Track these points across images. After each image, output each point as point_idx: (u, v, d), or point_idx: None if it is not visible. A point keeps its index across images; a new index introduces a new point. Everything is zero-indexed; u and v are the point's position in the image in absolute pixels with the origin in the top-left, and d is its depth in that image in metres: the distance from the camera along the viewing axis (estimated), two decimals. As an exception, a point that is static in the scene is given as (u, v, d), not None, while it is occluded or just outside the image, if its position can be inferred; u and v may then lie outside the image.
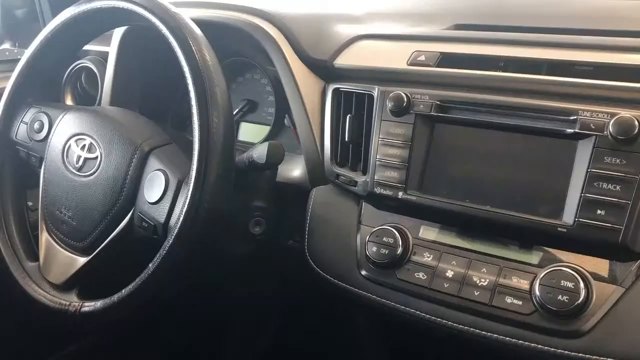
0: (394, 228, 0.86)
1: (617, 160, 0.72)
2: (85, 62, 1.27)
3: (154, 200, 0.83)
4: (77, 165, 0.92)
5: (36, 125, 1.00)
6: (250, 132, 1.21)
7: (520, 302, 0.76)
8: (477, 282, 0.79)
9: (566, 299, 0.72)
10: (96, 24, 0.97)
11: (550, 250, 0.78)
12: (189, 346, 1.56)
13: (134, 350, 1.53)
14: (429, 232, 0.86)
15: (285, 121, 1.15)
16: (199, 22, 0.86)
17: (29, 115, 1.01)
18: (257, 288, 1.45)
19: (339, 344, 1.32)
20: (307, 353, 1.47)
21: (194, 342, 1.56)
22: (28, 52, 1.00)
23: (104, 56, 1.22)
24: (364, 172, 0.92)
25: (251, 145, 0.93)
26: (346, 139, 0.94)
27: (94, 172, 0.90)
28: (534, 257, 0.78)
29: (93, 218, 0.89)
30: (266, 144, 0.85)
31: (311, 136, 0.97)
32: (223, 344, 1.57)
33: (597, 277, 0.74)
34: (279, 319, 1.54)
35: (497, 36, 0.89)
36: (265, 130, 1.19)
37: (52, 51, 1.00)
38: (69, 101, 1.30)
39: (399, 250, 0.84)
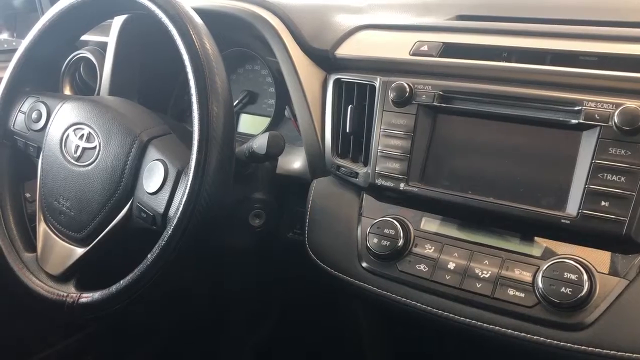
0: (395, 220, 0.85)
1: (622, 151, 0.71)
2: (84, 53, 1.26)
3: (153, 190, 0.82)
4: (75, 155, 0.91)
5: (34, 115, 0.99)
6: (250, 123, 1.20)
7: (523, 295, 0.75)
8: (479, 274, 0.78)
9: (569, 291, 0.72)
10: (94, 12, 0.96)
11: (553, 242, 0.77)
12: (187, 339, 1.55)
13: (130, 344, 1.52)
14: (430, 224, 0.85)
15: (286, 112, 1.15)
16: (200, 11, 0.85)
17: (26, 105, 1.00)
18: (257, 281, 1.44)
19: (339, 338, 1.31)
20: (306, 347, 1.46)
21: (191, 335, 1.55)
22: (26, 41, 0.99)
23: (103, 47, 1.21)
24: (365, 164, 0.91)
25: (251, 137, 0.92)
26: (347, 130, 0.93)
27: (93, 162, 0.89)
28: (537, 249, 0.77)
29: (91, 208, 0.88)
30: (266, 134, 0.84)
31: (312, 127, 0.96)
32: (221, 337, 1.56)
33: (601, 270, 0.73)
34: (278, 312, 1.53)
35: (501, 26, 0.88)
36: (265, 121, 1.18)
37: (49, 40, 0.99)
38: (67, 92, 1.29)
39: (400, 242, 0.84)
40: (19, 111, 1.01)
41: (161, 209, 0.81)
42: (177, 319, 1.53)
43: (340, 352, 1.33)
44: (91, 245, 0.89)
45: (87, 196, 0.89)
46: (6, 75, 1.00)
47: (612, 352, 0.71)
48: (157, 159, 0.84)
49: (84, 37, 1.17)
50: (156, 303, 1.33)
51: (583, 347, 0.72)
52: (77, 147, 0.91)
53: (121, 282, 0.81)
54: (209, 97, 0.76)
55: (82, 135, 0.91)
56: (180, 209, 0.75)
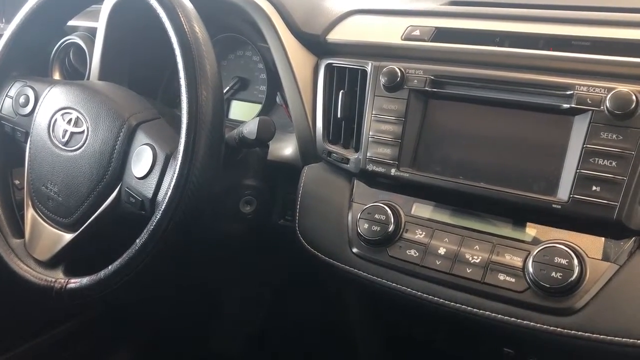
0: (386, 205, 0.85)
1: (614, 136, 0.71)
2: (74, 39, 1.25)
3: (141, 175, 0.82)
4: (63, 140, 0.90)
5: (21, 100, 0.97)
6: (242, 110, 1.19)
7: (513, 280, 0.75)
8: (470, 259, 0.78)
9: (560, 275, 0.71)
10: (82, -5, 0.95)
11: (544, 227, 0.77)
12: (179, 327, 1.55)
13: (123, 331, 1.52)
14: (421, 210, 0.85)
15: (277, 99, 1.14)
16: (189, -5, 0.83)
17: (14, 90, 0.99)
18: (248, 268, 1.43)
19: (331, 324, 1.31)
20: (299, 334, 1.46)
21: (183, 322, 1.55)
22: (12, 25, 0.97)
23: (93, 32, 1.20)
24: (357, 149, 0.90)
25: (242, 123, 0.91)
26: (339, 116, 0.92)
27: (81, 147, 0.88)
28: (528, 234, 0.77)
29: (79, 193, 0.88)
30: (257, 119, 0.84)
31: (303, 113, 0.96)
32: (213, 325, 1.56)
33: (591, 255, 0.73)
34: (270, 300, 1.53)
35: (493, 11, 0.87)
36: (256, 108, 1.17)
37: (37, 24, 0.97)
38: (57, 78, 1.28)
39: (391, 228, 0.83)
40: (6, 96, 1.00)
41: (149, 194, 0.80)
42: (169, 306, 1.53)
43: (332, 338, 1.33)
44: (79, 231, 0.88)
45: (75, 181, 0.88)
46: (-7, 59, 0.99)
47: (601, 336, 0.71)
48: (145, 144, 0.83)
49: (74, 23, 1.15)
50: (148, 291, 1.32)
51: (573, 332, 0.72)
52: (65, 131, 0.90)
53: (109, 267, 0.80)
54: (198, 81, 0.75)
55: (70, 119, 0.90)
56: (169, 193, 0.74)
